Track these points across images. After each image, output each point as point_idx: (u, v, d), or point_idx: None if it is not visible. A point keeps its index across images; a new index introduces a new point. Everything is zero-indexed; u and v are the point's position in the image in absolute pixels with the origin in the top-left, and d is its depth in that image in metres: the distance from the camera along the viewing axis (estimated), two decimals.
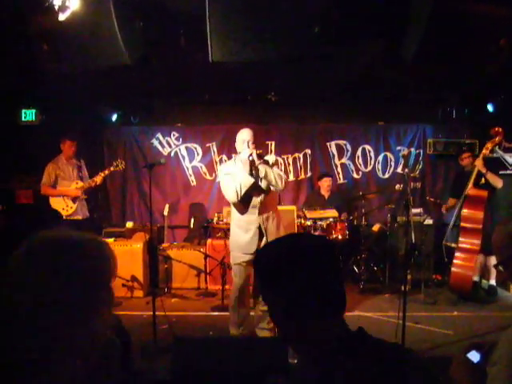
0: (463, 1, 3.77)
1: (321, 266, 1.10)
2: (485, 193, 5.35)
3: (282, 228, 4.13)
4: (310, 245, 1.15)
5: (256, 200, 3.94)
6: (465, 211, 5.35)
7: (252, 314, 4.30)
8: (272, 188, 3.97)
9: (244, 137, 3.96)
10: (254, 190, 3.92)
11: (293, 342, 1.17)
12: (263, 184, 3.93)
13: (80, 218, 5.70)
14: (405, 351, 1.14)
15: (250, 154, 3.82)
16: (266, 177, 3.86)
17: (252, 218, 3.95)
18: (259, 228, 3.95)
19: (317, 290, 1.08)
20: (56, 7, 2.81)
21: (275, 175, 3.88)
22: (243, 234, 3.98)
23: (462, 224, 5.36)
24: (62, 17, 2.85)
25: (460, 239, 5.38)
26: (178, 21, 3.59)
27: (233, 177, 3.90)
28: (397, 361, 1.07)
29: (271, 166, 3.97)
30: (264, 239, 3.96)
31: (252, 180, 3.82)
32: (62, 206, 5.65)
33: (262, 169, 3.85)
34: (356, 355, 1.06)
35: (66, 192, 5.67)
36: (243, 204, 3.95)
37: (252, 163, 3.82)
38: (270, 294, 1.14)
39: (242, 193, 3.82)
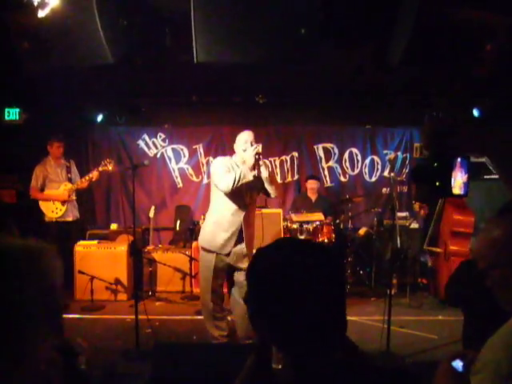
0: (450, 6, 3.78)
1: (322, 282, 1.02)
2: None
3: (257, 236, 4.12)
4: (305, 255, 1.06)
5: (245, 204, 3.92)
6: (456, 216, 5.36)
7: (233, 318, 4.24)
8: (269, 190, 3.95)
9: (246, 137, 3.94)
10: (249, 190, 3.89)
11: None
12: (260, 186, 3.92)
13: (70, 219, 5.66)
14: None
15: (257, 153, 3.79)
16: (268, 179, 3.86)
17: (236, 219, 3.90)
18: (240, 231, 3.91)
19: (312, 307, 1.01)
20: (35, 3, 2.74)
21: (275, 180, 3.91)
22: (222, 232, 3.91)
23: (454, 228, 5.36)
24: (41, 13, 2.78)
25: (451, 244, 5.37)
26: (163, 20, 3.53)
27: (233, 168, 3.86)
28: None
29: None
30: (241, 244, 3.93)
31: (251, 176, 3.77)
32: (52, 208, 5.60)
33: (265, 171, 3.84)
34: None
35: (54, 197, 5.62)
36: (234, 203, 3.89)
37: (256, 161, 3.79)
38: (257, 305, 1.06)
39: (239, 184, 3.72)
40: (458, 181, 2.59)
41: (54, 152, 5.72)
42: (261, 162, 3.82)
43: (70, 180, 5.72)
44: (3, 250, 0.94)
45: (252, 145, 3.87)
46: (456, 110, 5.86)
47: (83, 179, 5.69)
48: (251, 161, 3.78)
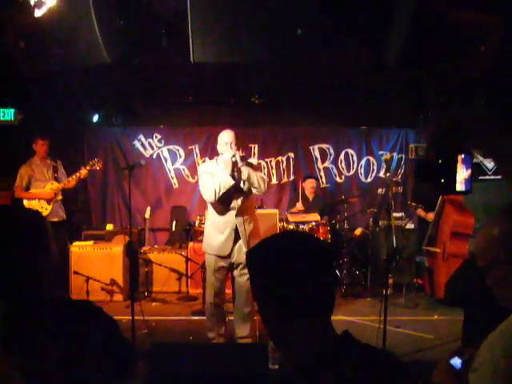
0: (446, 6, 3.79)
1: (315, 265, 1.11)
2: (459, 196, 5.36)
3: (258, 232, 4.09)
4: (305, 243, 1.17)
5: (235, 202, 3.89)
6: (457, 217, 5.36)
7: (231, 318, 4.24)
8: (254, 191, 3.92)
9: (226, 139, 3.90)
10: (235, 192, 3.88)
11: (280, 343, 1.17)
12: (245, 187, 3.89)
13: (56, 219, 5.54)
14: (392, 357, 1.13)
15: (233, 156, 3.78)
16: (248, 179, 3.82)
17: (229, 219, 3.90)
18: (235, 230, 3.91)
19: (309, 288, 1.09)
20: (32, 2, 2.73)
21: (258, 178, 3.85)
22: (218, 235, 3.93)
23: (454, 229, 5.36)
24: (38, 13, 2.77)
25: (450, 244, 5.38)
26: (159, 20, 3.54)
27: (213, 176, 3.85)
28: (384, 367, 1.05)
29: (254, 169, 3.93)
30: (239, 242, 3.91)
31: (232, 181, 3.77)
32: (37, 207, 5.49)
33: (245, 171, 3.81)
34: (342, 359, 1.04)
35: (39, 195, 5.53)
36: (222, 205, 3.90)
37: (234, 164, 3.78)
38: (261, 291, 1.14)
39: (221, 193, 3.76)
40: (461, 177, 2.59)
41: (38, 150, 5.62)
42: (240, 164, 3.79)
43: (56, 179, 5.61)
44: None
45: (232, 147, 3.85)
46: (456, 108, 5.89)
47: (70, 178, 5.58)
48: (228, 165, 3.78)
